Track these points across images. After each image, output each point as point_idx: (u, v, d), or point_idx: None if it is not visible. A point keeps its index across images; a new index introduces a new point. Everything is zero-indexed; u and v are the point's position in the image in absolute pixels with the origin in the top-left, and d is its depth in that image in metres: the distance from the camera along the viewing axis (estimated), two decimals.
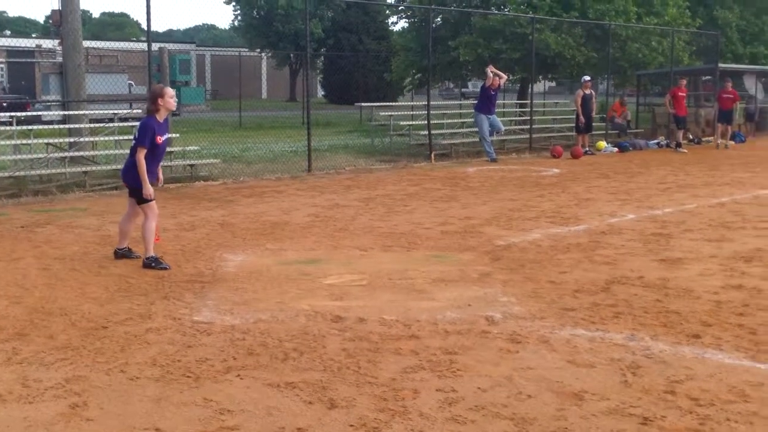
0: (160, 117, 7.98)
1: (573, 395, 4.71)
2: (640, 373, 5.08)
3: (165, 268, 7.78)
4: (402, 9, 32.73)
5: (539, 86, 37.36)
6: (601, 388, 4.83)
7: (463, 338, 5.77)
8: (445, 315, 6.34)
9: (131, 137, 8.13)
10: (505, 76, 20.04)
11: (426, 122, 19.64)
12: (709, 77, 29.09)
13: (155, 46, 15.78)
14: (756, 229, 10.11)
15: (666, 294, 7.01)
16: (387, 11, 40.54)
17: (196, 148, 15.94)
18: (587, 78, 21.98)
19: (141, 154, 7.82)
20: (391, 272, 7.77)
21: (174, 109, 8.27)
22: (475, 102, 20.08)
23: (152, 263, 7.83)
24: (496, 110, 19.75)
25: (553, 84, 47.99)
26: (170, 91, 8.05)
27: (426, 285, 7.30)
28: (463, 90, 42.56)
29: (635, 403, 4.59)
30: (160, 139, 7.95)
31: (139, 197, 7.97)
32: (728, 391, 4.80)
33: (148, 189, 7.87)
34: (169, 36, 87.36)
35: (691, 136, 24.90)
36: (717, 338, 5.80)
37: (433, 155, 18.77)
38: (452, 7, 28.92)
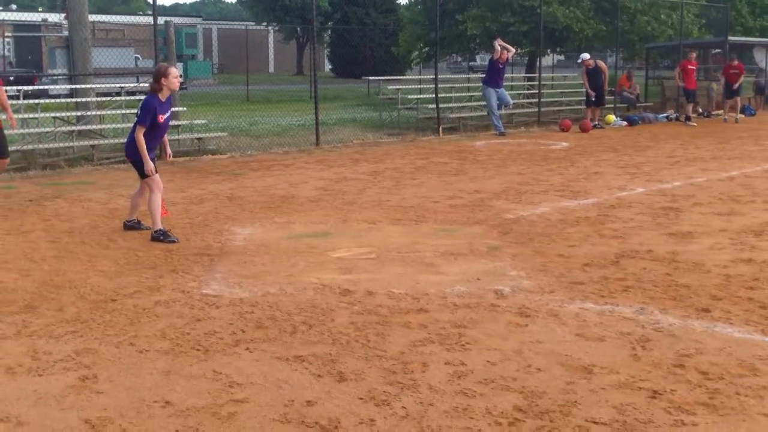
0: (163, 96, 7.99)
1: (582, 369, 4.70)
2: (650, 347, 5.07)
3: (173, 241, 7.80)
4: None
5: (547, 60, 37.09)
6: (611, 361, 4.82)
7: (472, 312, 5.76)
8: (454, 288, 6.33)
9: (137, 111, 8.11)
10: (513, 50, 19.93)
11: (434, 96, 19.57)
12: (719, 50, 28.87)
13: (161, 20, 15.72)
14: (766, 203, 10.06)
15: (675, 268, 6.99)
16: None
17: (203, 121, 15.93)
18: (586, 56, 21.61)
19: (140, 132, 7.87)
20: (400, 246, 7.75)
21: (176, 89, 8.30)
22: (483, 75, 19.97)
23: (160, 236, 7.84)
24: (505, 84, 19.65)
25: (562, 57, 47.66)
26: (174, 71, 8.03)
27: (435, 258, 7.29)
28: (471, 63, 42.29)
29: (644, 377, 4.58)
30: (161, 118, 7.98)
31: (141, 172, 8.03)
32: (738, 364, 4.78)
33: (149, 165, 7.90)
34: (176, 10, 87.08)
35: (700, 110, 24.76)
36: (727, 312, 5.77)
37: (441, 129, 18.71)
38: None
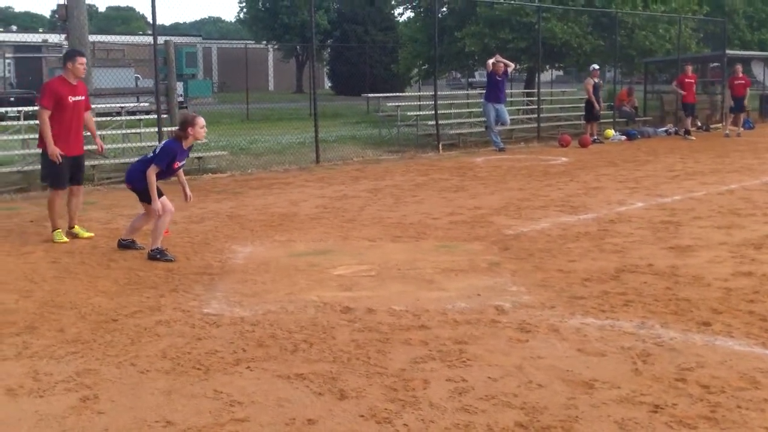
0: (186, 144, 8.06)
1: (583, 384, 4.70)
2: (651, 361, 5.07)
3: (170, 260, 7.82)
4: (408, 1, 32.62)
5: (546, 75, 37.20)
6: (612, 376, 4.82)
7: (472, 328, 5.76)
8: (455, 305, 6.33)
9: (138, 131, 8.12)
10: (512, 64, 19.98)
11: (433, 112, 19.61)
12: (717, 64, 28.95)
13: (161, 40, 15.77)
14: (766, 216, 10.07)
15: (676, 282, 6.99)
16: (393, 2, 40.46)
17: (203, 140, 15.91)
18: (596, 66, 21.93)
19: (153, 173, 7.87)
20: (400, 263, 7.76)
21: (201, 139, 8.33)
22: (484, 91, 20.02)
23: (157, 255, 7.87)
24: (505, 99, 19.68)
25: (561, 73, 47.79)
26: (201, 121, 8.05)
27: (435, 275, 7.30)
28: (470, 80, 42.46)
29: (646, 391, 4.58)
30: (176, 165, 8.05)
31: (143, 197, 8.07)
32: (739, 378, 4.78)
33: (158, 205, 7.91)
34: (176, 29, 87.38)
35: (699, 123, 24.80)
36: (727, 325, 5.77)
37: (440, 145, 18.75)
38: None
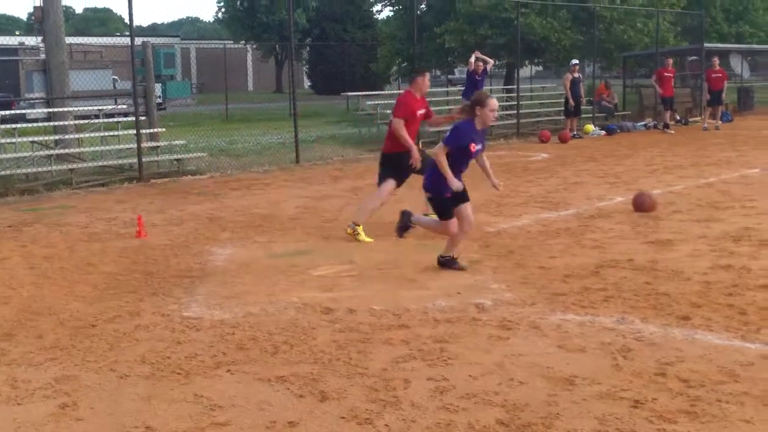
0: (478, 125, 7.21)
1: (564, 380, 4.70)
2: (631, 356, 5.09)
3: (462, 268, 7.32)
4: None
5: (526, 71, 37.29)
6: (592, 372, 4.83)
7: (453, 326, 5.76)
8: (436, 303, 6.33)
9: (116, 133, 7.98)
10: (491, 61, 19.97)
11: None
12: (695, 57, 29.07)
13: (138, 41, 15.70)
14: (744, 208, 10.12)
15: (656, 276, 7.02)
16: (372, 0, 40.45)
17: (182, 142, 15.88)
18: (575, 61, 21.98)
19: (442, 152, 7.04)
20: (381, 262, 7.76)
21: (490, 123, 7.46)
22: (463, 89, 20.01)
23: (446, 262, 7.41)
24: None
25: (540, 68, 47.92)
26: (493, 103, 7.18)
27: (416, 274, 7.30)
28: (450, 77, 42.46)
29: (626, 386, 4.60)
30: (473, 148, 7.15)
31: (437, 207, 7.44)
32: (718, 371, 4.80)
33: (454, 183, 7.04)
34: (154, 30, 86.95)
35: (678, 117, 24.91)
36: (707, 319, 5.80)
37: (420, 143, 18.71)
38: None
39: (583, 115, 22.48)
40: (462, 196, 7.24)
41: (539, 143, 19.93)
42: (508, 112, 23.88)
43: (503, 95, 27.05)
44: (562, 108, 21.82)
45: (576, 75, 21.33)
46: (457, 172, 7.17)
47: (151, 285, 7.08)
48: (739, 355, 5.07)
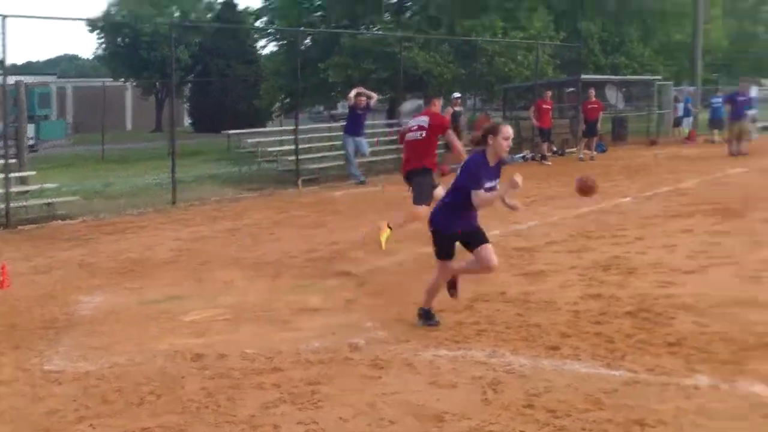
0: (490, 159, 6.49)
1: (434, 417, 4.71)
2: (500, 389, 5.13)
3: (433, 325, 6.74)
4: (270, 32, 32.53)
5: (408, 104, 37.72)
6: (462, 407, 4.85)
7: (326, 367, 5.71)
8: (309, 345, 6.27)
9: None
10: (374, 96, 20.11)
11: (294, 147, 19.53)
12: (573, 89, 29.95)
13: (11, 80, 15.20)
14: (614, 237, 10.40)
15: (527, 308, 7.13)
16: (256, 35, 40.26)
17: (54, 185, 15.39)
18: (457, 94, 22.29)
19: (476, 196, 6.33)
20: (256, 304, 7.64)
21: (504, 154, 6.57)
22: (344, 124, 20.08)
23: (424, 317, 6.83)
24: (366, 131, 19.79)
25: (422, 102, 48.58)
26: (507, 131, 6.44)
27: (291, 315, 7.22)
28: (333, 112, 42.64)
29: (494, 420, 4.63)
30: (485, 185, 6.43)
31: (438, 250, 6.74)
32: (584, 400, 4.89)
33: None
34: (29, 68, 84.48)
35: (555, 148, 25.56)
36: (575, 348, 5.91)
37: (300, 181, 18.66)
38: (321, 29, 28.95)
39: (466, 147, 22.79)
40: (481, 236, 6.64)
41: None
42: (389, 147, 24.08)
43: (386, 130, 27.32)
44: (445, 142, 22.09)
45: (457, 108, 21.66)
46: (467, 214, 6.57)
47: (14, 338, 6.78)
48: (604, 382, 5.18)
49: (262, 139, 22.17)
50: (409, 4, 29.19)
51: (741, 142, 22.85)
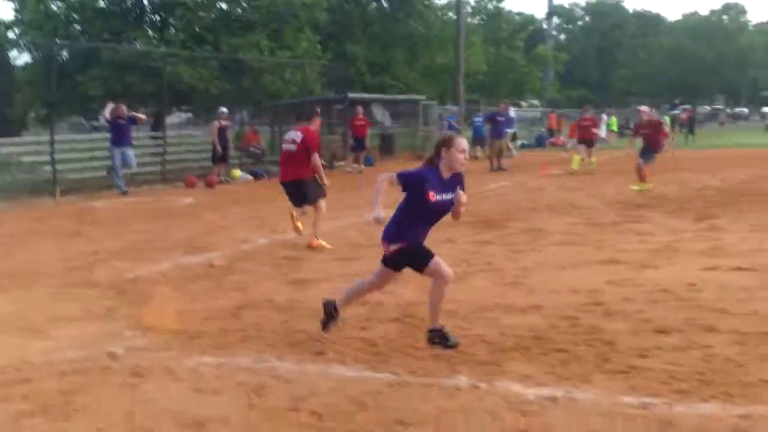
0: (444, 173, 6.06)
1: (195, 424, 4.58)
2: (265, 394, 5.07)
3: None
4: (25, 45, 30.84)
5: (175, 118, 36.96)
6: (225, 413, 4.75)
7: (82, 377, 5.42)
8: (64, 355, 5.93)
9: None
10: (143, 117, 19.78)
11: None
12: (341, 106, 30.52)
13: None
14: (380, 247, 10.53)
15: (294, 315, 7.10)
16: (8, 45, 37.91)
17: (462, 169, 13.71)
18: (223, 110, 22.25)
19: (385, 180, 6.04)
20: (7, 314, 7.16)
21: (459, 168, 6.07)
22: (110, 135, 19.52)
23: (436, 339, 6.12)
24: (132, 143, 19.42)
25: (190, 115, 47.77)
26: (461, 143, 6.06)
27: (45, 324, 6.82)
28: (94, 123, 40.99)
29: (258, 425, 4.56)
30: (431, 196, 5.99)
31: (413, 255, 6.17)
32: (349, 402, 4.91)
33: (378, 212, 6.04)
34: None
35: (324, 162, 25.86)
36: (340, 353, 5.94)
37: (58, 191, 17.79)
38: (79, 41, 27.75)
39: (232, 161, 22.73)
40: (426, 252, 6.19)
41: (186, 189, 19.76)
42: (154, 159, 23.54)
43: (151, 142, 26.59)
44: (210, 154, 21.85)
45: (224, 123, 21.56)
46: (416, 229, 6.22)
47: None
48: (367, 385, 5.23)
49: (16, 149, 20.90)
50: (172, 21, 28.69)
51: (501, 159, 24.23)
